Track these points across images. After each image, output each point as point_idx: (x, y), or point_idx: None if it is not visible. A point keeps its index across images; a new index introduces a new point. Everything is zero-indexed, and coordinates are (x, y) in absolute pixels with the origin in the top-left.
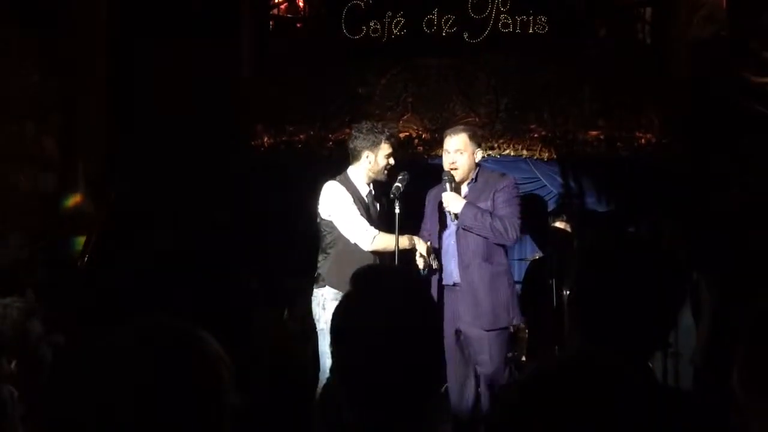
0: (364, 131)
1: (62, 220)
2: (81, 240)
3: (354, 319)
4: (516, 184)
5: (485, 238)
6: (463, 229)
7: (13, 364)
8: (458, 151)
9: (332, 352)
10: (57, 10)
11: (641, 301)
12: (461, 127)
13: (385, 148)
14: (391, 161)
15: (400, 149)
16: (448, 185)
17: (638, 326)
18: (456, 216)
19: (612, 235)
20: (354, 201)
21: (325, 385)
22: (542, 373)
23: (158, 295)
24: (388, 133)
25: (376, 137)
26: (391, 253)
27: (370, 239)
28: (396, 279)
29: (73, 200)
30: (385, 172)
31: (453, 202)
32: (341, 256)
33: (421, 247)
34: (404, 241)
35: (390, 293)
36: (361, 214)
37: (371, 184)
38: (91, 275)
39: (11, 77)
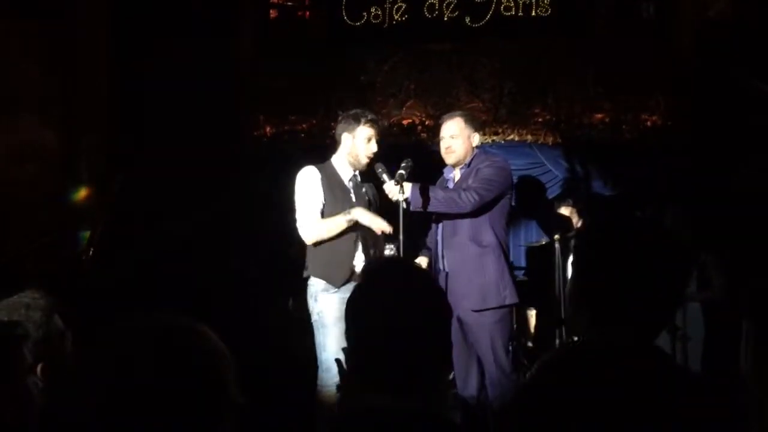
0: (346, 116)
1: (65, 214)
2: (85, 235)
3: (365, 308)
4: (505, 165)
5: (445, 213)
6: (418, 210)
7: (39, 367)
8: (453, 136)
9: (347, 338)
10: (58, 3)
11: (646, 283)
12: (457, 112)
13: (363, 130)
14: (373, 147)
15: (403, 136)
16: (385, 176)
17: (643, 308)
18: (408, 203)
19: (617, 217)
20: (325, 189)
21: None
22: (559, 358)
23: (162, 289)
24: (369, 117)
25: (355, 119)
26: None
27: (307, 232)
28: (405, 270)
29: (80, 195)
30: (366, 158)
31: (395, 191)
32: (318, 244)
33: (364, 219)
34: (342, 224)
35: (399, 284)
36: (338, 201)
37: (357, 172)
38: (96, 270)
39: (12, 71)
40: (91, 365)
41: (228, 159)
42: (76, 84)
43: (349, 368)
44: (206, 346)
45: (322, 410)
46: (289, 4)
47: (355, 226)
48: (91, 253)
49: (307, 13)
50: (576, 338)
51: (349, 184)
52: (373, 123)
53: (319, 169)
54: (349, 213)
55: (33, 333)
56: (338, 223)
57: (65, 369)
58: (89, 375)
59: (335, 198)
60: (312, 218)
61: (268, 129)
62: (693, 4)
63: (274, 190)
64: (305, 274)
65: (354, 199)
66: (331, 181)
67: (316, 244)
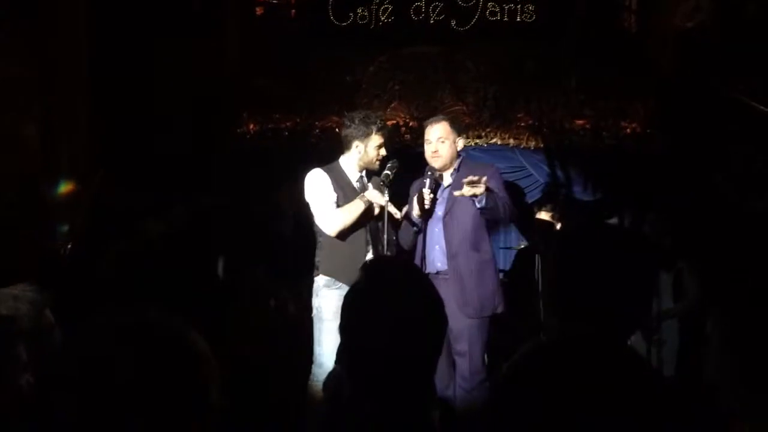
0: (356, 121)
1: (46, 209)
2: (64, 229)
3: (360, 309)
4: (500, 171)
5: (496, 219)
6: (484, 210)
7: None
8: (440, 140)
9: (340, 335)
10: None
11: (618, 285)
12: (441, 116)
13: (375, 139)
14: (382, 152)
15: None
16: (428, 181)
17: (615, 309)
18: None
19: (590, 221)
20: (336, 189)
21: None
22: (529, 355)
23: (143, 285)
24: (380, 124)
25: (367, 128)
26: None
27: (330, 223)
28: (403, 271)
29: (61, 189)
30: (377, 161)
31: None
32: (331, 243)
33: (379, 199)
34: (360, 206)
35: (397, 285)
36: (349, 200)
37: (364, 172)
38: (75, 264)
39: None
40: (72, 362)
41: (211, 155)
42: (57, 79)
43: (341, 367)
44: (188, 346)
45: (312, 405)
46: (275, 2)
47: (366, 226)
48: (70, 247)
49: (293, 11)
50: (543, 337)
51: (357, 185)
52: (383, 131)
53: (326, 170)
54: (363, 195)
55: (22, 326)
56: (357, 206)
57: (51, 366)
58: (73, 372)
59: (347, 197)
60: (330, 209)
61: (251, 126)
62: (673, 14)
63: (257, 187)
64: (315, 272)
65: None
66: (339, 182)
67: (339, 236)
